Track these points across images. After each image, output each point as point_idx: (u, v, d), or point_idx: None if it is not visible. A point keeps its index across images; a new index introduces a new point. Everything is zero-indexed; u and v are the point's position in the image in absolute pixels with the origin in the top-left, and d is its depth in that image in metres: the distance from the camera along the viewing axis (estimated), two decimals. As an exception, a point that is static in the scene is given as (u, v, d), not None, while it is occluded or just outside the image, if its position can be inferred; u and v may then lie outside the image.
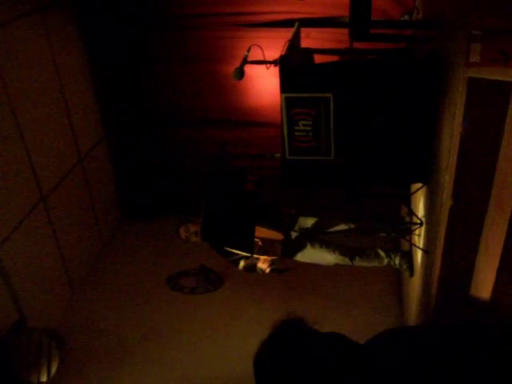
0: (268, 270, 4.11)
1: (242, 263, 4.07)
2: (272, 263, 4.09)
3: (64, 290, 5.27)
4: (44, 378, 4.16)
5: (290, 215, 4.25)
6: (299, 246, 4.15)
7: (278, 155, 3.85)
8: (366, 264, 4.23)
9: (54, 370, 4.19)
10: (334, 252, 4.14)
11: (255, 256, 4.01)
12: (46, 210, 4.91)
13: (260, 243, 3.96)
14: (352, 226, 4.27)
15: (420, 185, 3.88)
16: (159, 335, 4.90)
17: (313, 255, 4.15)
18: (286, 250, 4.12)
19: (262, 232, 3.97)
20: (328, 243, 4.19)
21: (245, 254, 3.95)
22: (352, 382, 1.61)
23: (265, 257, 4.04)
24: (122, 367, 4.61)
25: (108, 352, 4.72)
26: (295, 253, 4.14)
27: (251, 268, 4.14)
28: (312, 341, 1.70)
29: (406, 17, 4.63)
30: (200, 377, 4.48)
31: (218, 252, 4.13)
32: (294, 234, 4.17)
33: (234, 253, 4.00)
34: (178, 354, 4.71)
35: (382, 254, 4.21)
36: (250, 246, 3.78)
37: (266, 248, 4.01)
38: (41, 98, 4.77)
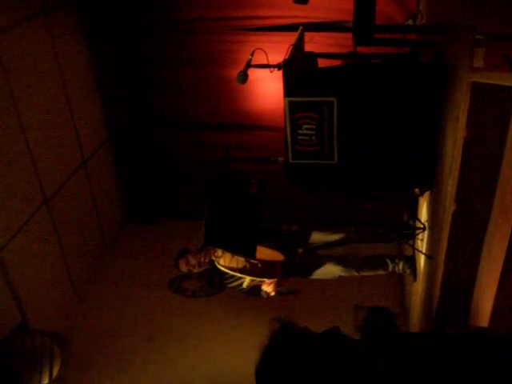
0: (273, 293, 4.00)
1: (245, 283, 3.99)
2: (278, 285, 4.01)
3: (66, 293, 5.27)
4: (46, 380, 4.16)
5: (290, 232, 4.21)
6: (304, 264, 4.13)
7: (281, 159, 3.85)
8: (371, 273, 4.20)
9: (56, 372, 4.19)
10: (338, 264, 4.12)
11: (258, 279, 3.97)
12: (49, 213, 4.91)
13: (259, 265, 3.87)
14: (356, 233, 4.26)
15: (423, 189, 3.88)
16: (161, 338, 4.89)
17: (318, 271, 4.12)
18: (291, 270, 4.09)
19: (261, 253, 3.88)
20: (332, 257, 4.17)
21: (243, 275, 3.93)
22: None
23: (270, 280, 3.97)
24: (123, 370, 4.61)
25: (110, 354, 4.72)
26: (301, 272, 4.13)
27: (253, 292, 4.07)
28: (308, 346, 1.70)
29: (410, 21, 4.63)
30: (201, 380, 4.47)
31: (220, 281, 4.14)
32: (299, 252, 4.13)
33: (233, 280, 4.01)
34: (180, 357, 4.71)
35: (388, 261, 4.19)
36: (252, 250, 3.75)
37: (266, 270, 3.95)
38: (45, 100, 4.78)
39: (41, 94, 4.73)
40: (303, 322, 1.80)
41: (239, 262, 3.90)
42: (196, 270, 4.05)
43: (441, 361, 1.64)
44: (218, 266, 3.95)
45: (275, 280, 3.95)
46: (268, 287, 3.96)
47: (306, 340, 1.73)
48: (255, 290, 4.04)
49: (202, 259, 3.99)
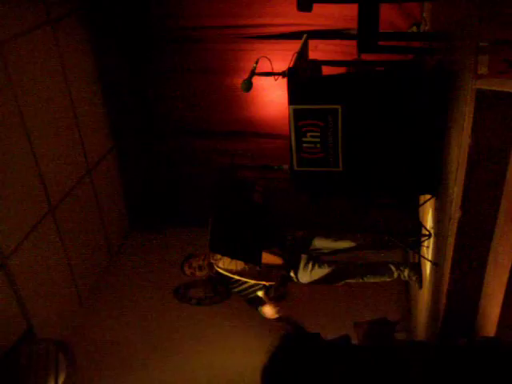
0: (270, 310, 4.05)
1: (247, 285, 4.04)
2: (274, 292, 4.08)
3: (72, 301, 5.28)
4: (51, 390, 4.16)
5: (294, 238, 4.22)
6: (308, 269, 4.13)
7: (285, 167, 3.85)
8: (377, 280, 4.20)
9: (61, 381, 4.19)
10: (343, 270, 4.11)
11: (256, 282, 3.99)
12: (55, 222, 4.93)
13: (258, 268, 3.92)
14: (361, 240, 4.25)
15: (428, 196, 3.87)
16: (167, 347, 4.88)
17: (322, 276, 4.12)
18: (296, 275, 4.11)
19: (262, 258, 3.88)
20: (337, 263, 4.17)
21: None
22: None
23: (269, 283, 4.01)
24: (129, 378, 4.60)
25: (115, 363, 4.71)
26: (305, 277, 4.13)
27: (256, 303, 4.12)
28: (318, 351, 1.69)
29: (414, 28, 4.64)
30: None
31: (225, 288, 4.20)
32: (304, 258, 4.15)
33: (238, 284, 4.03)
34: (186, 365, 4.69)
35: (393, 268, 4.19)
36: (257, 257, 3.76)
37: (265, 273, 3.98)
38: (51, 109, 4.81)
39: (47, 103, 4.75)
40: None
41: (238, 264, 3.95)
42: (198, 273, 4.20)
43: (447, 375, 1.63)
44: (217, 269, 3.99)
45: (274, 283, 3.99)
46: (263, 296, 4.02)
47: (317, 346, 1.72)
48: (258, 301, 4.06)
49: (201, 262, 4.13)
